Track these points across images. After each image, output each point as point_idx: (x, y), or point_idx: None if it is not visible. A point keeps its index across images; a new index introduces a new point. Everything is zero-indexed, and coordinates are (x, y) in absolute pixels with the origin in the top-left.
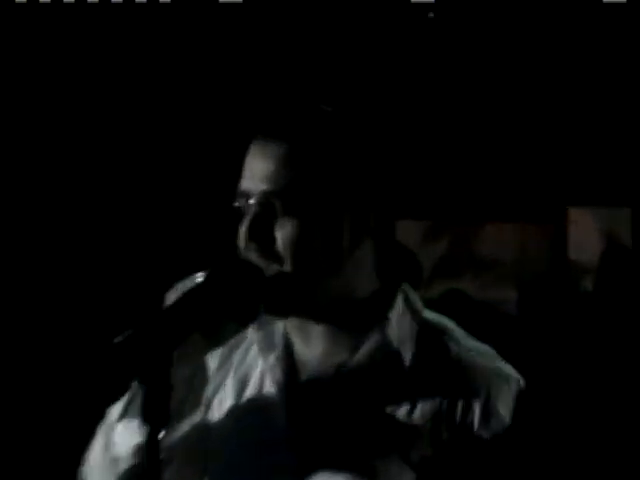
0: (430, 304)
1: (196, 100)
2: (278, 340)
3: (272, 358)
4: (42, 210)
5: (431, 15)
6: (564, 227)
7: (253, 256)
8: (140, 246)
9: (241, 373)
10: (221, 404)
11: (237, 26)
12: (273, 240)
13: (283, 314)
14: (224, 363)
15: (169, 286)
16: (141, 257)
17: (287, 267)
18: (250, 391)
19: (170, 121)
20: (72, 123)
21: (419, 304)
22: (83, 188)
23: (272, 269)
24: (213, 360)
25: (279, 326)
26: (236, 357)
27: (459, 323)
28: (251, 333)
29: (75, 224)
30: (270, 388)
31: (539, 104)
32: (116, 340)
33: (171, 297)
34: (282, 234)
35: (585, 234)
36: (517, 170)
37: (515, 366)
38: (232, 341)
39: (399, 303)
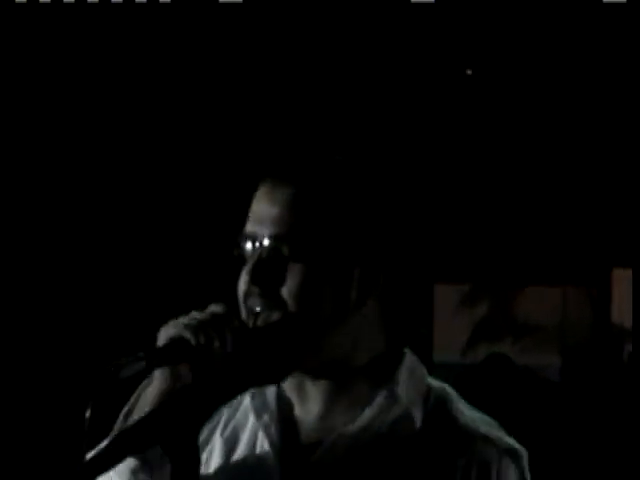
0: (469, 368)
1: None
2: (271, 398)
3: (266, 417)
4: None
5: (469, 72)
6: (607, 290)
7: (254, 301)
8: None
9: (229, 431)
10: (207, 463)
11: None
12: (277, 285)
13: (280, 366)
14: (210, 420)
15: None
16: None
17: (291, 313)
18: (241, 451)
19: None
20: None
21: (423, 369)
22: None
23: (274, 315)
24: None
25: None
26: (224, 414)
27: (499, 388)
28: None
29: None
30: (264, 449)
31: (582, 169)
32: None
33: (163, 334)
34: (288, 279)
35: (629, 297)
36: (559, 232)
37: (556, 433)
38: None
39: (406, 365)
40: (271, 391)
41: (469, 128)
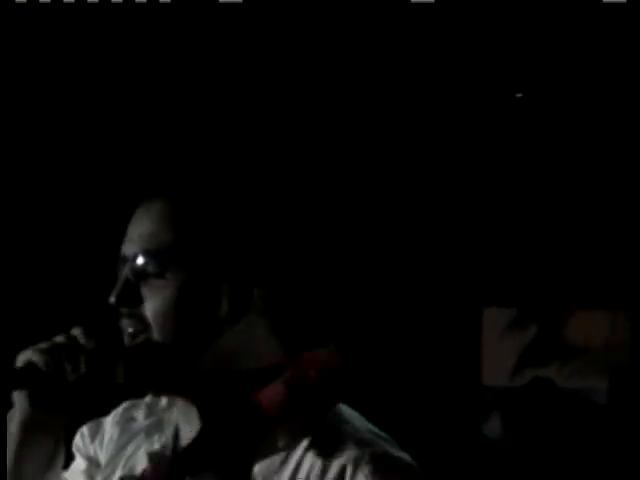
0: (515, 393)
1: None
2: (167, 424)
3: (157, 444)
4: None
5: (519, 95)
6: None
7: (125, 322)
8: None
9: (129, 465)
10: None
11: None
12: (140, 305)
13: (149, 387)
14: (115, 456)
15: None
16: None
17: (154, 336)
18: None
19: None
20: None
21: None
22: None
23: (139, 338)
24: (104, 452)
25: (171, 410)
26: (129, 448)
27: (546, 412)
28: (141, 420)
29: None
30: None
31: (630, 195)
32: None
33: (19, 359)
34: (151, 299)
35: None
36: (606, 256)
37: (605, 456)
38: (127, 431)
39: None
40: (169, 418)
41: (518, 151)
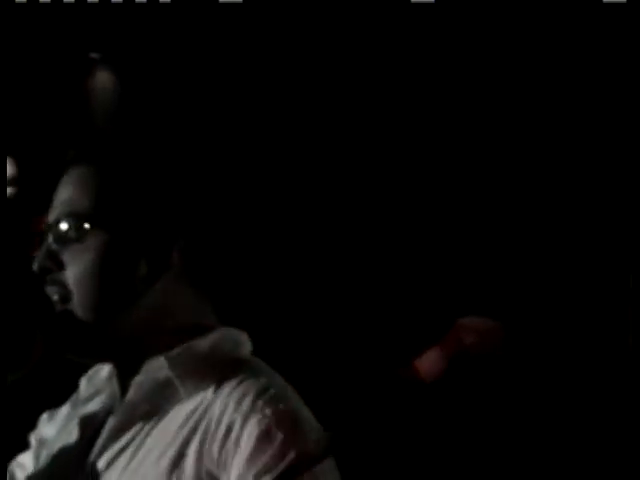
0: None
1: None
2: (105, 393)
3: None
4: None
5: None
6: None
7: (50, 289)
8: None
9: (67, 434)
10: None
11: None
12: (61, 270)
13: (74, 354)
14: (61, 430)
15: None
16: None
17: (76, 300)
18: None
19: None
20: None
21: (233, 343)
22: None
23: (60, 304)
24: (56, 429)
25: (111, 380)
26: (71, 421)
27: None
28: (83, 392)
29: None
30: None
31: None
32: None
33: None
34: (72, 265)
35: None
36: None
37: None
38: (74, 405)
39: (208, 338)
40: (103, 380)
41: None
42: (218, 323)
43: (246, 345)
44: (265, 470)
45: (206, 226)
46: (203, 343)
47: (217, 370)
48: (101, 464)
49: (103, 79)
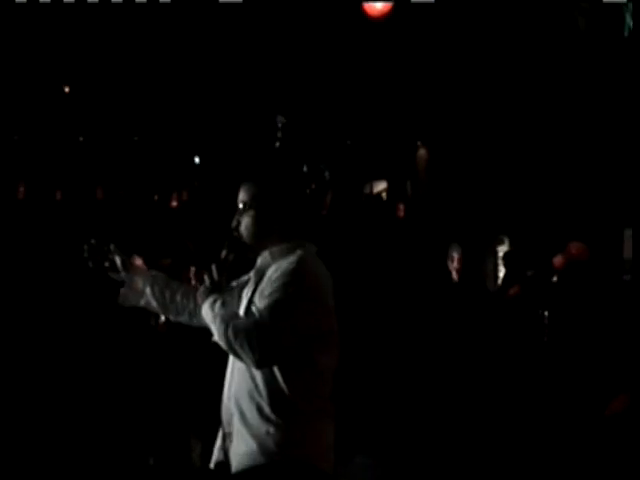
0: None
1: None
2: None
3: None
4: None
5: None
6: None
7: (234, 230)
8: None
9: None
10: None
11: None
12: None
13: (239, 253)
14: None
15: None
16: None
17: (242, 234)
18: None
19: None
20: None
21: (310, 246)
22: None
23: (237, 235)
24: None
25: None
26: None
27: None
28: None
29: None
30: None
31: None
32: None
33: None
34: (243, 221)
35: None
36: None
37: None
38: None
39: (286, 246)
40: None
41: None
42: (298, 239)
43: (302, 249)
44: (275, 283)
45: (291, 208)
46: (280, 247)
47: (282, 256)
48: (244, 297)
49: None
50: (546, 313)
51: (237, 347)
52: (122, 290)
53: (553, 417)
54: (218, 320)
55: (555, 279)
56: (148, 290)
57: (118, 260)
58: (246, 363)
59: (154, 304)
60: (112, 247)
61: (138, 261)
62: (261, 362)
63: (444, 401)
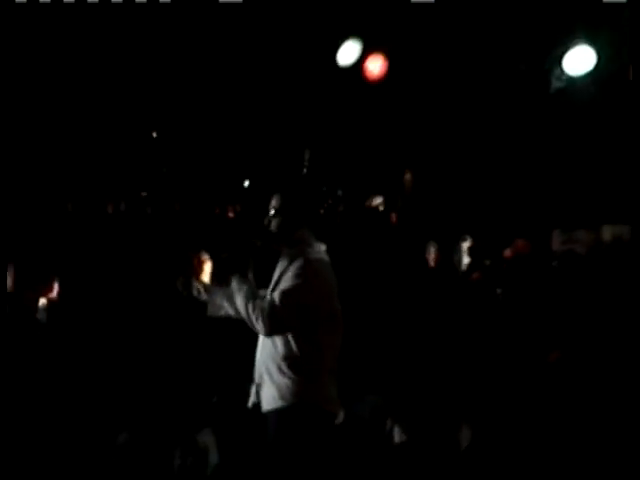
0: None
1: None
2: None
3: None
4: None
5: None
6: None
7: (266, 229)
8: None
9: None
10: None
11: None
12: (271, 224)
13: (270, 244)
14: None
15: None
16: None
17: (272, 230)
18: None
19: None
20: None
21: (317, 246)
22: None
23: (269, 230)
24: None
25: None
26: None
27: None
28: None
29: None
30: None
31: None
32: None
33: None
34: (273, 222)
35: None
36: None
37: None
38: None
39: (299, 237)
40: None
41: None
42: (313, 240)
43: (315, 247)
44: (287, 277)
45: (306, 216)
46: (295, 250)
47: (299, 253)
48: (271, 285)
49: None
50: (499, 291)
51: (253, 319)
52: (208, 306)
53: (508, 363)
54: (242, 294)
55: (506, 266)
56: (225, 304)
57: (200, 288)
58: (258, 331)
59: (232, 313)
60: (193, 282)
61: (207, 264)
62: (268, 333)
63: (434, 350)
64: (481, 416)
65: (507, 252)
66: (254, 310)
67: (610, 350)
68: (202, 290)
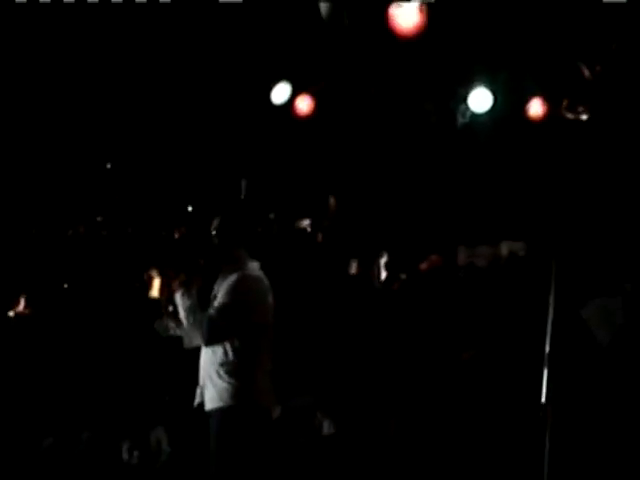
0: None
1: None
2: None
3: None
4: None
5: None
6: None
7: (209, 248)
8: None
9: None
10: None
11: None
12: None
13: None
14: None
15: None
16: None
17: (215, 251)
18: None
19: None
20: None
21: (252, 264)
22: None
23: (214, 245)
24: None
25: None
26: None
27: None
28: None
29: None
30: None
31: None
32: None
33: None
34: (213, 243)
35: None
36: None
37: None
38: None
39: (250, 262)
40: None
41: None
42: (247, 258)
43: (250, 264)
44: (224, 292)
45: (242, 236)
46: (233, 266)
47: (237, 269)
48: (212, 295)
49: None
50: (415, 300)
51: (191, 330)
52: (184, 340)
53: (427, 361)
54: (185, 309)
55: (421, 278)
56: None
57: (172, 325)
58: (198, 342)
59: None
60: (166, 322)
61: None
62: (207, 343)
63: (360, 352)
64: (404, 409)
65: (423, 265)
66: (194, 323)
67: (511, 348)
68: (174, 327)
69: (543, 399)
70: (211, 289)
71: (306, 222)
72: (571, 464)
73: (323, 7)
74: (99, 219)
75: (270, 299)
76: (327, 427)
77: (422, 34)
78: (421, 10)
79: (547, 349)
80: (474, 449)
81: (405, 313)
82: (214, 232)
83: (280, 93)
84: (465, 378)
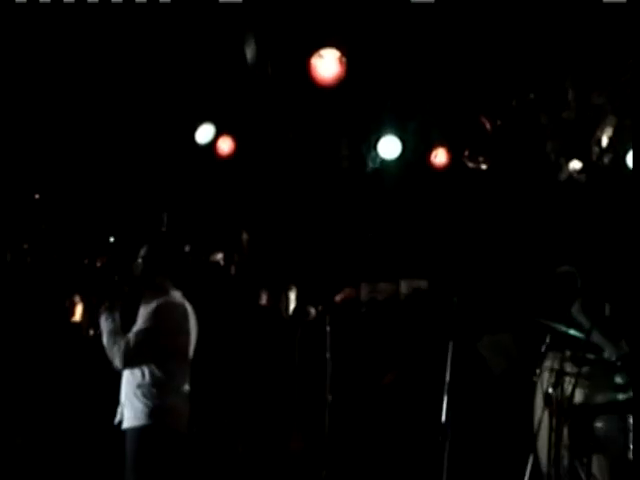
0: None
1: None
2: None
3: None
4: None
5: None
6: None
7: (133, 274)
8: None
9: None
10: None
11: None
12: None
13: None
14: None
15: None
16: None
17: (139, 278)
18: None
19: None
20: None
21: (173, 292)
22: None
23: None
24: None
25: None
26: None
27: None
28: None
29: None
30: None
31: None
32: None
33: None
34: (138, 270)
35: None
36: None
37: None
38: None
39: (171, 290)
40: None
41: None
42: (170, 286)
43: (171, 292)
44: (143, 318)
45: (165, 265)
46: (156, 292)
47: (159, 296)
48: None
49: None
50: (328, 329)
51: (112, 354)
52: None
53: (350, 385)
54: (107, 332)
55: (335, 309)
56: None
57: None
58: (116, 365)
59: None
60: None
61: (79, 305)
62: (123, 366)
63: (273, 375)
64: (315, 426)
65: (338, 297)
66: (114, 346)
67: (417, 374)
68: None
69: (443, 419)
70: (135, 314)
71: (219, 255)
72: (466, 471)
73: (249, 53)
74: (25, 246)
75: (192, 325)
76: (242, 444)
77: (340, 83)
78: (340, 61)
79: (447, 377)
80: (386, 456)
81: (318, 341)
82: (140, 259)
83: (204, 133)
84: (382, 401)
